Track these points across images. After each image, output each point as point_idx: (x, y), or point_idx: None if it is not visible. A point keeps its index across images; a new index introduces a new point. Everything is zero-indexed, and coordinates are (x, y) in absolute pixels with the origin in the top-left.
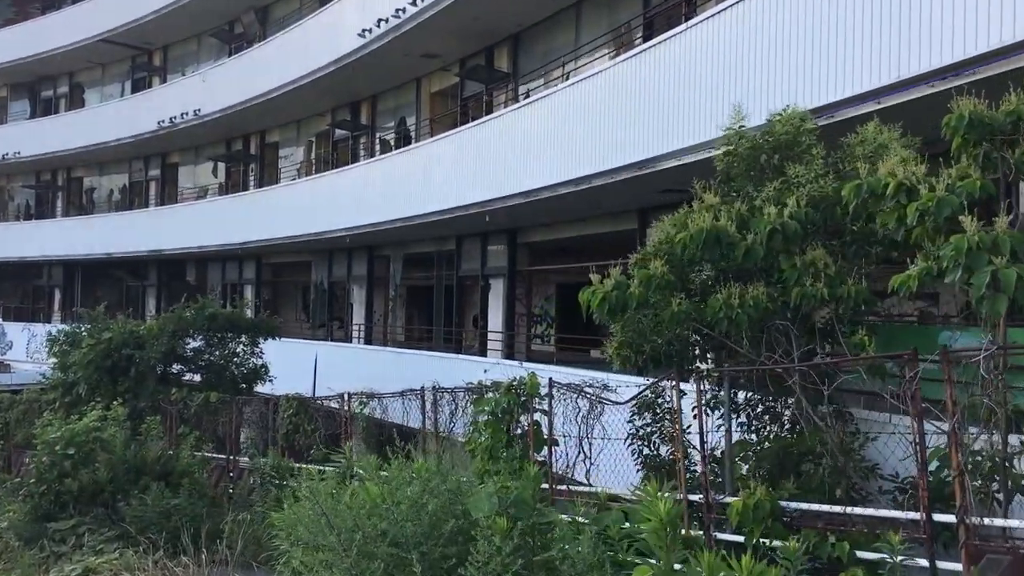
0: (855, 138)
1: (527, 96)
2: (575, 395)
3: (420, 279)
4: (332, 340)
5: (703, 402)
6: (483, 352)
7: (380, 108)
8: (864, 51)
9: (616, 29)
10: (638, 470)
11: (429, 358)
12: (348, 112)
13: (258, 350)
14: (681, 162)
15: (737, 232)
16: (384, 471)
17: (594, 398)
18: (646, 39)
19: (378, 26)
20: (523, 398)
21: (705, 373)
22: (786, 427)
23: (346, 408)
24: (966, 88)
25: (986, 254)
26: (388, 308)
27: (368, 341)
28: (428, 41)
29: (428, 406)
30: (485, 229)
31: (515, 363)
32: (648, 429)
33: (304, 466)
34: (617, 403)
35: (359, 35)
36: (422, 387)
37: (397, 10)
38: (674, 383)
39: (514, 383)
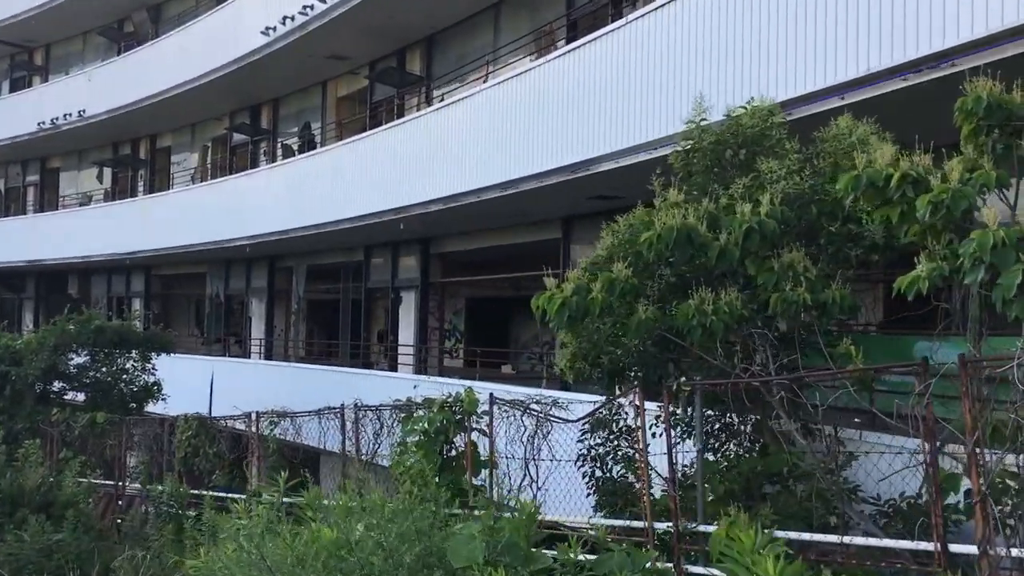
0: (827, 132)
1: (442, 99)
2: (520, 412)
3: (325, 292)
4: (230, 356)
5: (669, 419)
6: (393, 367)
7: (283, 112)
8: (828, 43)
9: (539, 30)
10: (589, 494)
11: (336, 374)
12: (248, 116)
13: (150, 366)
14: (619, 164)
15: (708, 232)
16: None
17: (542, 416)
18: (570, 40)
19: (283, 24)
20: (459, 416)
21: (675, 387)
22: (744, 445)
23: (254, 429)
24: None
25: (1014, 251)
26: (290, 322)
27: (269, 357)
28: (337, 41)
29: (349, 426)
30: (397, 239)
31: (438, 378)
32: (601, 450)
33: (206, 493)
34: (568, 421)
35: (263, 33)
36: (342, 405)
37: (304, 7)
38: (635, 399)
39: (449, 400)
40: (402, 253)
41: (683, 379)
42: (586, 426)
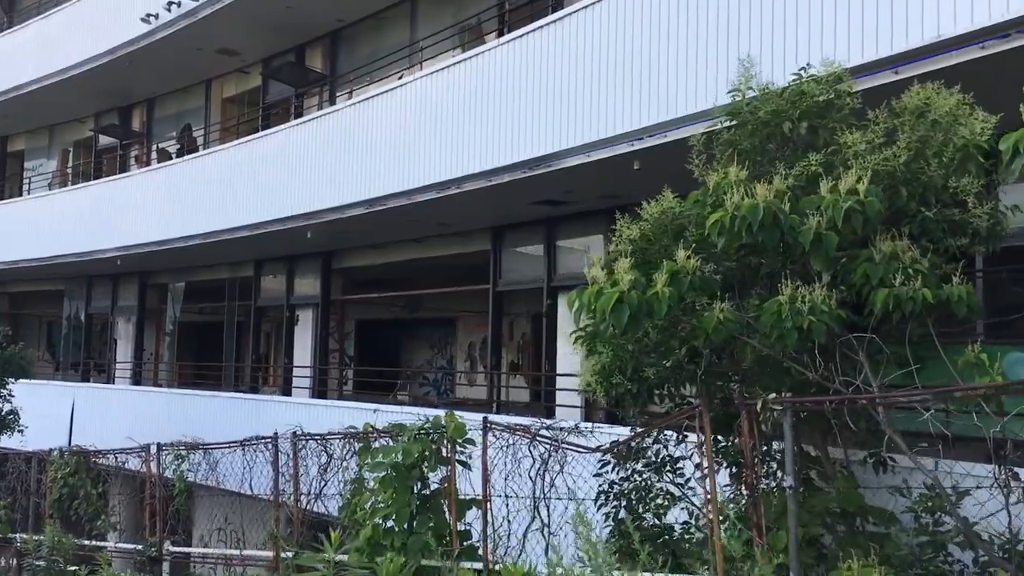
0: (907, 101)
1: (350, 96)
2: (526, 440)
3: (207, 311)
4: (92, 382)
5: (755, 445)
6: (287, 392)
7: (159, 113)
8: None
9: (464, 22)
10: (609, 539)
11: (221, 400)
12: (117, 116)
13: (5, 392)
14: (589, 158)
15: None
16: None
17: (557, 443)
18: (500, 34)
19: (168, 10)
20: (435, 445)
21: (760, 405)
22: (783, 478)
23: (155, 466)
24: None
25: None
26: (164, 344)
27: (137, 382)
28: (228, 33)
29: (285, 460)
30: (294, 252)
31: (346, 403)
32: (628, 485)
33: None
34: (594, 450)
35: (143, 20)
36: (275, 434)
37: None
38: (700, 422)
39: (427, 426)
40: (300, 268)
41: (772, 395)
42: (607, 457)
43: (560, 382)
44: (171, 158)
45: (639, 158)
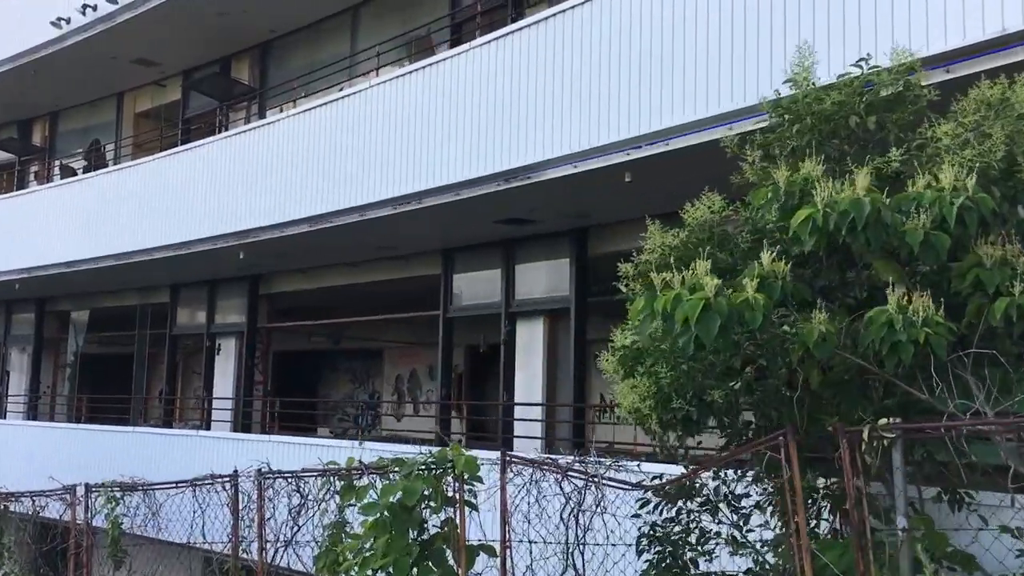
0: (983, 94)
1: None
2: (555, 475)
3: (115, 340)
4: None
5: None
6: (207, 426)
7: (63, 128)
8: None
9: (413, 31)
10: None
11: (135, 436)
12: (17, 130)
13: None
14: (577, 169)
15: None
16: None
17: (595, 479)
18: (454, 44)
19: (83, 13)
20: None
21: (869, 432)
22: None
23: (81, 512)
24: None
25: None
26: (64, 376)
27: (33, 417)
28: (149, 41)
29: (247, 502)
30: (217, 276)
31: (275, 437)
32: (672, 526)
33: None
34: (642, 487)
35: (53, 24)
36: (234, 472)
37: None
38: (788, 451)
39: (431, 461)
40: (223, 293)
41: (881, 420)
42: (648, 495)
43: (518, 412)
44: (75, 175)
45: (632, 169)
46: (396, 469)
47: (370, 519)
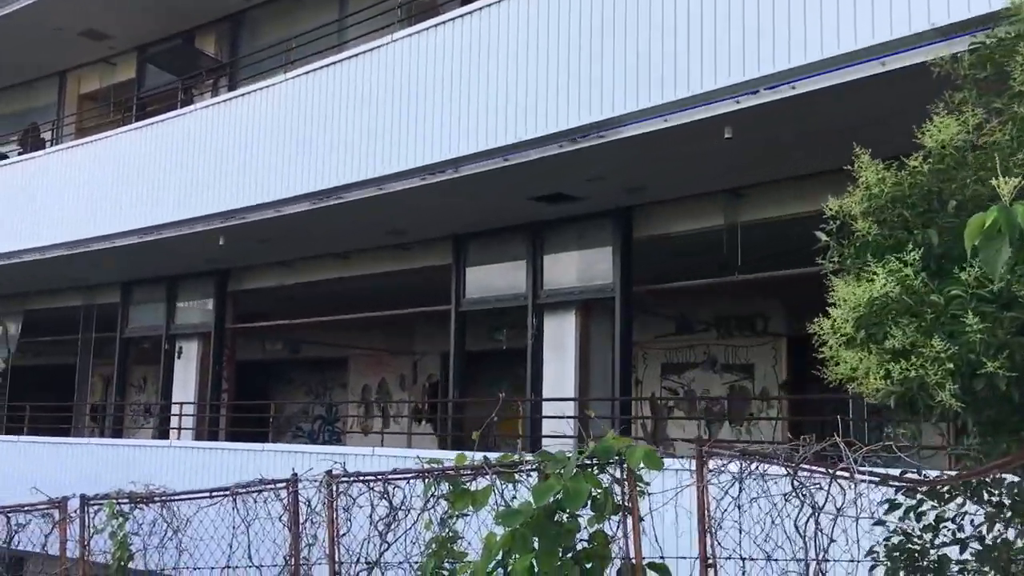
0: None
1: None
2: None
3: (48, 349)
4: None
5: None
6: (163, 435)
7: None
8: None
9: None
10: None
11: (83, 447)
12: None
13: None
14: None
15: None
16: None
17: (849, 472)
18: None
19: None
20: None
21: None
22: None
23: (79, 529)
24: None
25: None
26: None
27: None
28: (101, 8)
29: (307, 509)
30: (177, 271)
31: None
32: (926, 537)
33: None
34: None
35: None
36: (293, 475)
37: None
38: None
39: (592, 454)
40: (185, 290)
41: None
42: (899, 497)
43: (546, 409)
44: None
45: (733, 122)
46: (533, 465)
47: (501, 533)
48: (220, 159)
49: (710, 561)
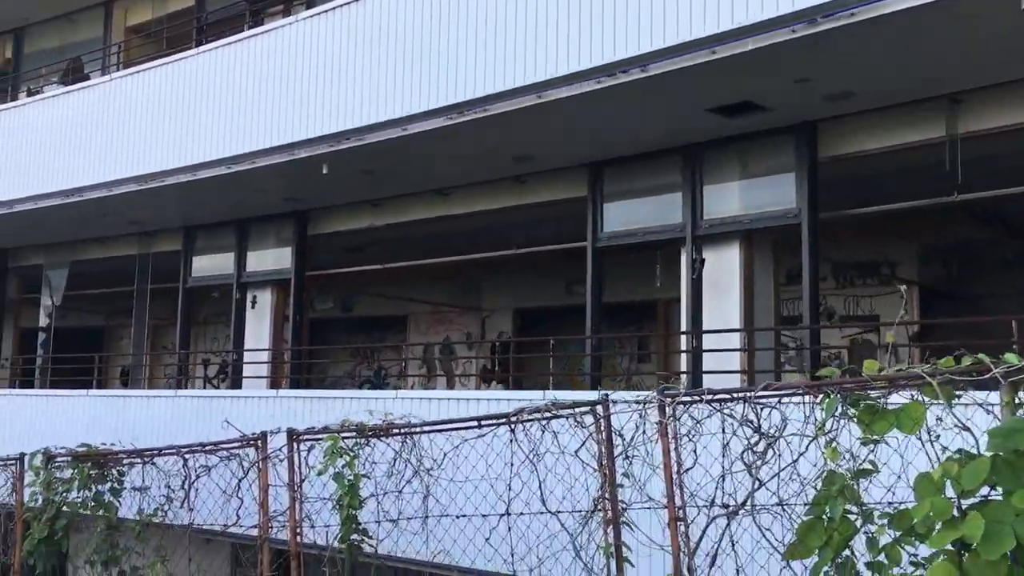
0: None
1: None
2: None
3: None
4: None
5: None
6: (237, 384)
7: (30, 48)
8: None
9: None
10: None
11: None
12: None
13: None
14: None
15: None
16: None
17: None
18: None
19: None
20: None
21: None
22: None
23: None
24: None
25: None
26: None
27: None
28: None
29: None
30: (248, 214)
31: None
32: None
33: None
34: None
35: None
36: (604, 395)
37: None
38: None
39: None
40: (256, 234)
41: None
42: None
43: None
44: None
45: None
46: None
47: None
48: (332, 73)
49: None
